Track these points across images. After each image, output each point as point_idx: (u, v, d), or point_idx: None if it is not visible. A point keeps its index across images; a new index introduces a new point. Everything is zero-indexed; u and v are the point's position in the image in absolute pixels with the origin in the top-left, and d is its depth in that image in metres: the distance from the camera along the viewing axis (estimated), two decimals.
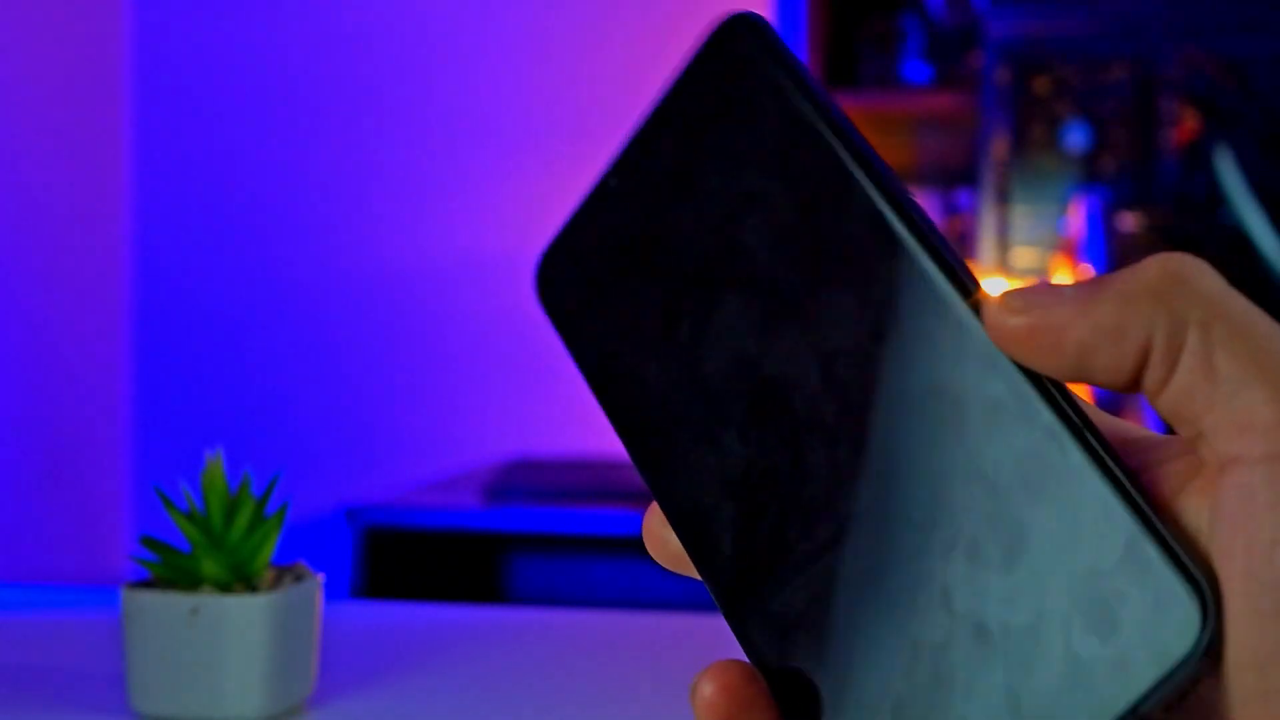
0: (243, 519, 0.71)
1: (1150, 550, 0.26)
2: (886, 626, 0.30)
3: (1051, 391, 0.29)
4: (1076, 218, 2.31)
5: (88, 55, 2.44)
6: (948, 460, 0.30)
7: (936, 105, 2.68)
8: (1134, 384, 0.27)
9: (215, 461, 0.72)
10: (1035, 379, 0.29)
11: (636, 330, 0.36)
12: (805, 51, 2.49)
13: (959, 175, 2.63)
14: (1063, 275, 2.34)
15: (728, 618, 0.33)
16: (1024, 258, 2.47)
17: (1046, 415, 0.28)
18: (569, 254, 0.37)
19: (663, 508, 0.34)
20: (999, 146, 2.45)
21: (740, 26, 0.37)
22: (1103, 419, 0.30)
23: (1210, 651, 0.25)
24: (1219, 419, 0.26)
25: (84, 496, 2.41)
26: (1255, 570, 0.25)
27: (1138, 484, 0.27)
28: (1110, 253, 2.24)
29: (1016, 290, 0.29)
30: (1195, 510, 0.27)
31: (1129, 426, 0.30)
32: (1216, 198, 2.38)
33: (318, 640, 0.73)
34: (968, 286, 0.30)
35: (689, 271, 0.35)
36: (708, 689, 0.30)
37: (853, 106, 2.70)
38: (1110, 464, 0.27)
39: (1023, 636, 0.28)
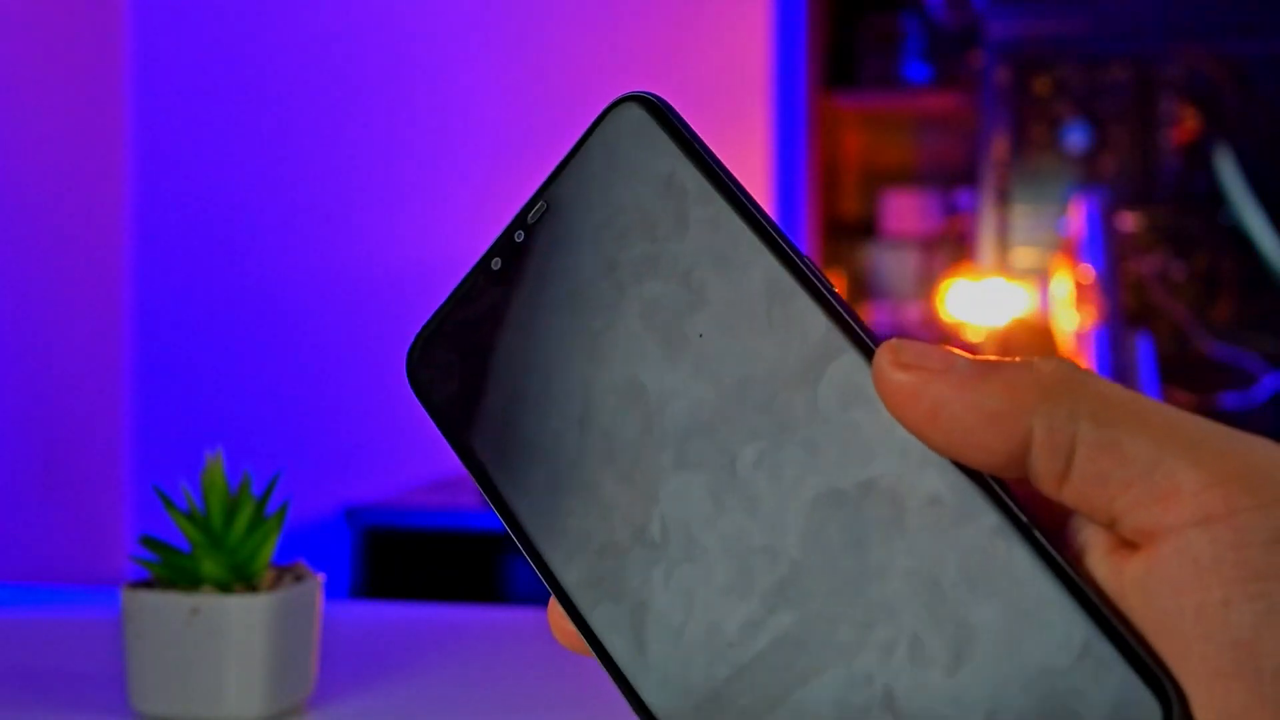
0: (243, 519, 0.71)
1: (1107, 648, 0.26)
2: None
3: (991, 484, 0.28)
4: (1076, 218, 2.31)
5: (88, 55, 2.44)
6: (885, 555, 0.29)
7: (936, 105, 2.68)
8: (1007, 469, 0.27)
9: (215, 461, 0.72)
10: (973, 473, 0.28)
11: (520, 416, 0.34)
12: (804, 51, 2.49)
13: (959, 175, 2.63)
14: (1062, 277, 2.34)
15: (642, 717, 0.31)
16: (1024, 258, 2.47)
17: (990, 513, 0.28)
18: (443, 339, 0.36)
19: (561, 603, 0.33)
20: (999, 146, 2.45)
21: (632, 108, 0.36)
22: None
23: None
24: (1137, 496, 0.26)
25: (84, 496, 2.41)
26: (1212, 633, 0.25)
27: (1085, 577, 0.27)
28: (1110, 253, 2.24)
29: (908, 344, 0.29)
30: (1121, 592, 0.27)
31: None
32: (1216, 198, 2.38)
33: (318, 640, 0.73)
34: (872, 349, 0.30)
35: (582, 349, 0.33)
36: None
37: (853, 106, 2.70)
38: (1056, 557, 0.27)
39: None
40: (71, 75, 2.38)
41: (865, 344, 0.30)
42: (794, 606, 0.29)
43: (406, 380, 0.36)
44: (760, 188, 2.42)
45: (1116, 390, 0.27)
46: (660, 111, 0.35)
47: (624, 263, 0.34)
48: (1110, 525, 0.27)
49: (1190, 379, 2.37)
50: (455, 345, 0.35)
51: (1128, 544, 0.27)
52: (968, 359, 0.28)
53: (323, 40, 2.52)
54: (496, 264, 0.35)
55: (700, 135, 0.35)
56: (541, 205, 0.35)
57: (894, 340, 0.29)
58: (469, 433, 0.35)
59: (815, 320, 0.31)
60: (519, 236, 0.35)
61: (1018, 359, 0.28)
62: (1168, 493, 0.26)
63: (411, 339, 0.37)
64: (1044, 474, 0.27)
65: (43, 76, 2.29)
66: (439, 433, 0.35)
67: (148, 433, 2.54)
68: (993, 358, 0.28)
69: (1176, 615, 0.25)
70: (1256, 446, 0.26)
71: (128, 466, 2.52)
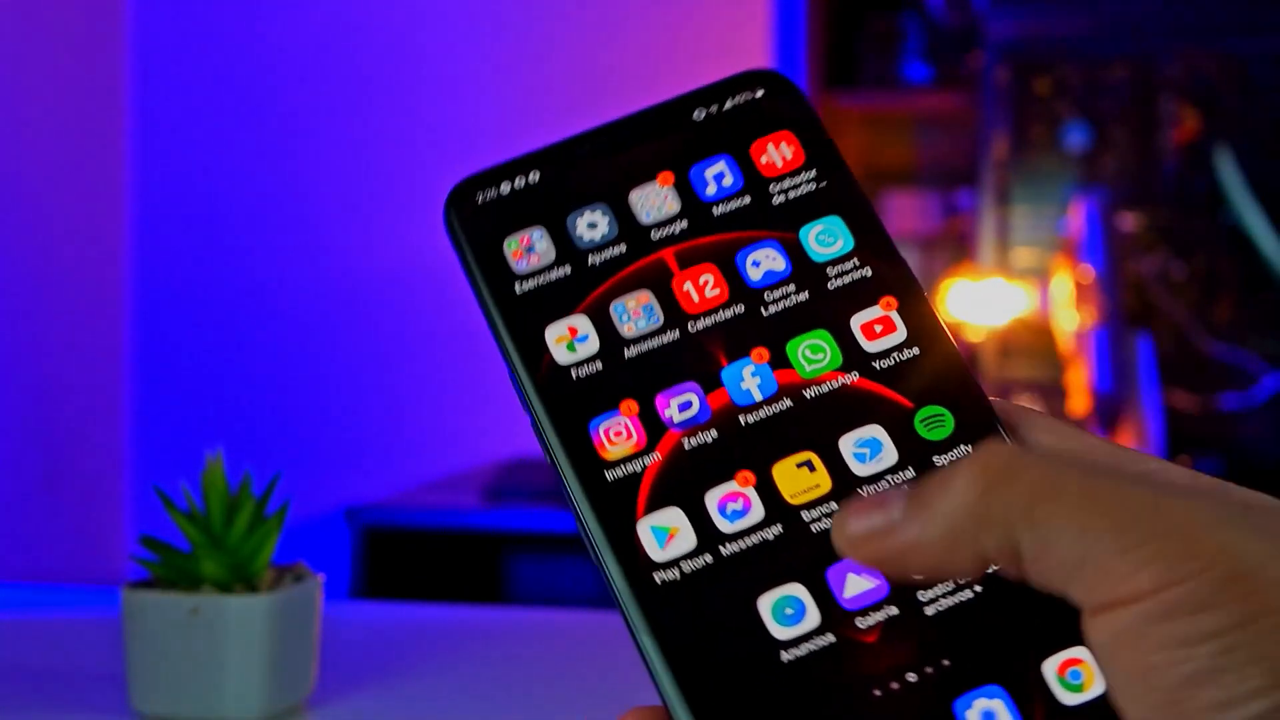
0: (243, 519, 0.71)
1: None
2: None
3: None
4: (1076, 218, 2.31)
5: (88, 56, 2.44)
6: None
7: (936, 105, 2.67)
8: (985, 572, 0.30)
9: (215, 461, 0.72)
10: None
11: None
12: (804, 51, 2.49)
13: (959, 175, 2.63)
14: (1062, 277, 2.34)
15: None
16: (1024, 258, 2.47)
17: None
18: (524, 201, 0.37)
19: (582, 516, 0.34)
20: (999, 146, 2.45)
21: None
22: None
23: None
24: (1080, 585, 0.28)
25: (84, 496, 2.41)
26: (1142, 696, 0.28)
27: None
28: (1110, 253, 2.23)
29: (852, 511, 0.31)
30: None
31: None
32: (1216, 198, 2.38)
33: (318, 640, 0.73)
34: None
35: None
36: None
37: (853, 106, 2.70)
38: None
39: None
40: (71, 75, 2.38)
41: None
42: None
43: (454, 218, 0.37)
44: None
45: (1044, 476, 0.29)
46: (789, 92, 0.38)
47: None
48: (1075, 604, 0.29)
49: (1190, 379, 2.37)
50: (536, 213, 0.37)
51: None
52: (903, 501, 0.30)
53: (323, 40, 2.52)
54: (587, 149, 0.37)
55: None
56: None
57: (838, 513, 0.31)
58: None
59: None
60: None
61: (944, 474, 0.30)
62: (1099, 580, 0.28)
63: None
64: (1013, 575, 0.30)
65: (43, 76, 2.29)
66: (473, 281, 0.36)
67: (148, 433, 2.54)
68: (927, 485, 0.30)
69: (1112, 677, 0.28)
70: (1180, 514, 0.28)
71: (128, 466, 2.52)
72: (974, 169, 2.50)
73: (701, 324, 0.35)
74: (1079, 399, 2.28)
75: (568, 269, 0.36)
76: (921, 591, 0.32)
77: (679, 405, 0.34)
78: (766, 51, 2.45)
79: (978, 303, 2.45)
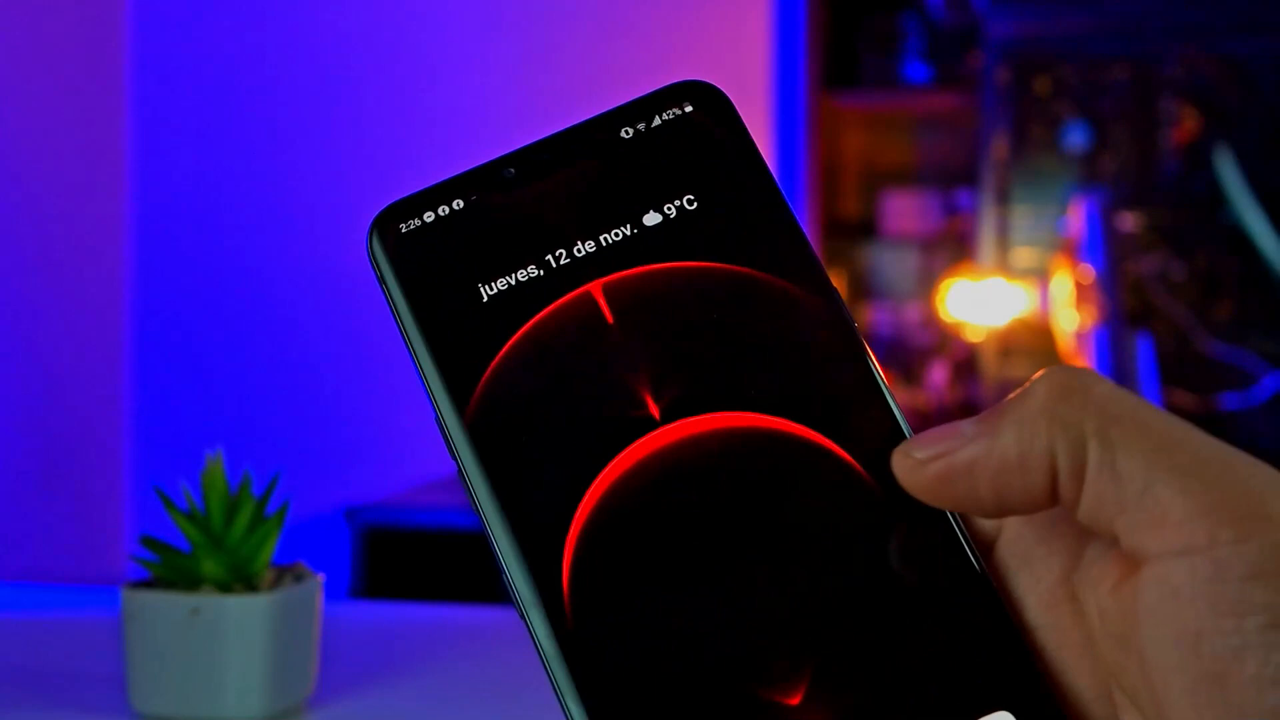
0: (243, 519, 0.71)
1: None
2: None
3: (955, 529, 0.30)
4: (1076, 218, 2.31)
5: (88, 55, 2.44)
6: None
7: (936, 105, 2.68)
8: (1051, 502, 0.28)
9: (215, 461, 0.72)
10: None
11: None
12: (804, 51, 2.49)
13: (959, 175, 2.63)
14: (1062, 277, 2.34)
15: None
16: (1024, 258, 2.47)
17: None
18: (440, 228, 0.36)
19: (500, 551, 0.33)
20: (999, 146, 2.45)
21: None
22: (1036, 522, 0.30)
23: None
24: (1131, 520, 0.27)
25: (84, 496, 2.42)
26: (1187, 664, 0.26)
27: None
28: (1110, 253, 2.23)
29: (916, 440, 0.29)
30: (1124, 610, 0.27)
31: (1065, 527, 0.30)
32: (1216, 198, 2.38)
33: (318, 640, 0.73)
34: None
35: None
36: None
37: (853, 106, 2.70)
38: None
39: None
40: (71, 75, 2.38)
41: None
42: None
43: (376, 247, 0.35)
44: None
45: (1119, 400, 0.27)
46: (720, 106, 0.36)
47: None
48: (1114, 544, 0.28)
49: (1190, 379, 2.37)
50: (450, 241, 0.35)
51: (1130, 567, 0.28)
52: (973, 422, 0.29)
53: (323, 40, 2.52)
54: (510, 173, 0.36)
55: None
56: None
57: (903, 444, 0.30)
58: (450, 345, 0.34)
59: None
60: (541, 161, 0.36)
61: (1017, 391, 0.28)
62: (1155, 520, 0.26)
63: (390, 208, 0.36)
64: (1067, 499, 0.28)
65: (43, 76, 2.29)
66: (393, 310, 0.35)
67: (148, 433, 2.54)
68: (997, 405, 0.29)
69: (1157, 644, 0.26)
70: (1245, 474, 0.26)
71: (128, 466, 2.53)
72: (974, 169, 2.50)
73: (630, 362, 0.33)
74: None
75: (492, 303, 0.34)
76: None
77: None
78: (766, 51, 2.45)
79: (978, 303, 2.45)
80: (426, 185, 0.35)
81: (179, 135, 2.54)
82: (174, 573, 0.71)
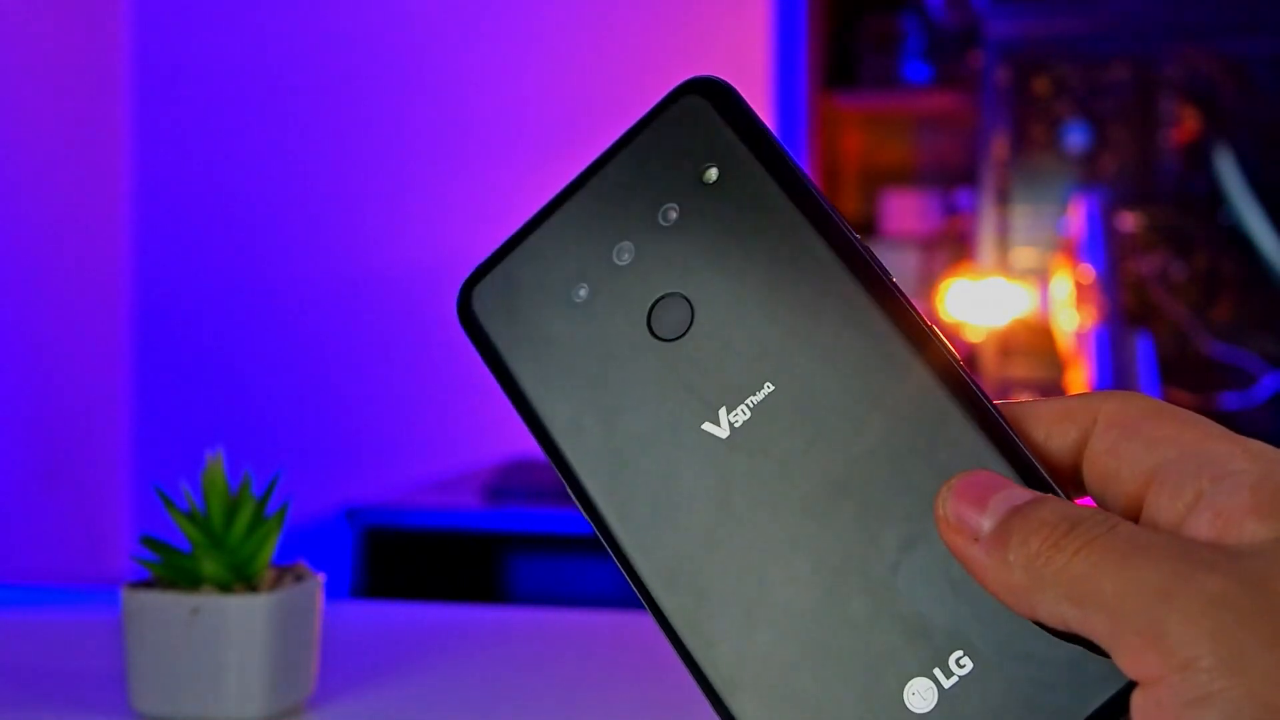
0: (243, 519, 0.71)
1: None
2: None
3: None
4: (1076, 218, 2.31)
5: (88, 55, 2.44)
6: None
7: (936, 105, 2.67)
8: None
9: (215, 461, 0.72)
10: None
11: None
12: (804, 51, 2.49)
13: (959, 175, 2.63)
14: (1062, 277, 2.34)
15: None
16: (1024, 258, 2.47)
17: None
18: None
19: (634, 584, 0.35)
20: (999, 146, 2.45)
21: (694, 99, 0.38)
22: None
23: None
24: (1121, 657, 0.30)
25: (84, 496, 2.41)
26: None
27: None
28: (1110, 253, 2.23)
29: (952, 498, 0.33)
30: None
31: None
32: (1216, 198, 2.38)
33: (318, 640, 0.73)
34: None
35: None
36: None
37: (853, 106, 2.70)
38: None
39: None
40: (71, 75, 2.38)
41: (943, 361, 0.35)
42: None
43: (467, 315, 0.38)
44: None
45: (1079, 563, 0.30)
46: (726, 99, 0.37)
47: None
48: None
49: (1190, 379, 2.37)
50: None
51: None
52: (995, 516, 0.32)
53: (323, 36, 2.52)
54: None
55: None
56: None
57: (944, 488, 0.33)
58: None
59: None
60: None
61: (1012, 538, 0.31)
62: (1125, 658, 0.30)
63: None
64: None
65: (43, 76, 2.29)
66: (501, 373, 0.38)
67: (148, 433, 2.54)
68: (1008, 519, 0.32)
69: None
70: (1180, 601, 0.29)
71: (128, 466, 2.52)
72: (974, 169, 2.50)
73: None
74: None
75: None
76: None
77: None
78: (766, 51, 2.45)
79: (978, 303, 2.45)
80: (496, 248, 0.38)
81: (179, 135, 2.54)
82: (174, 573, 0.71)
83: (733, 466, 0.34)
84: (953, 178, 2.66)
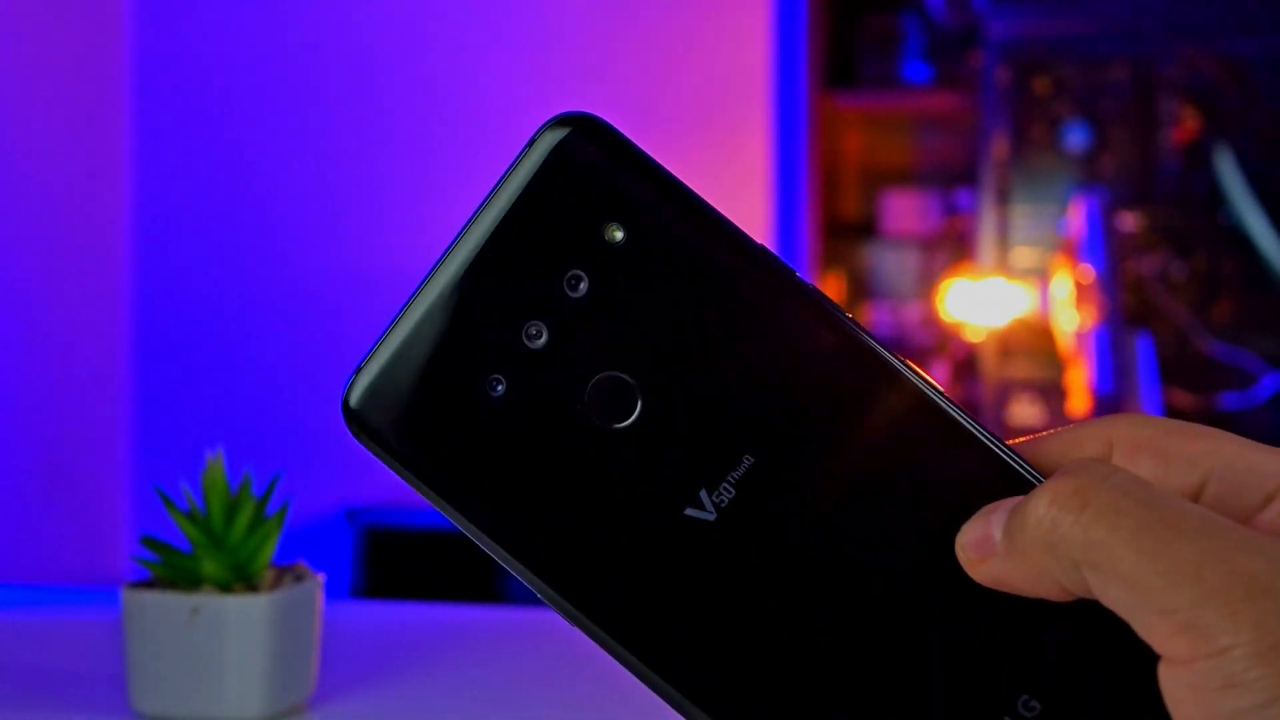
0: (243, 519, 0.71)
1: None
2: None
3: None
4: (1076, 218, 2.31)
5: (88, 55, 2.44)
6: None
7: (936, 105, 2.68)
8: (1076, 597, 0.31)
9: (215, 461, 0.72)
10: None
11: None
12: (804, 52, 2.49)
13: (959, 175, 2.63)
14: (1062, 277, 2.34)
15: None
16: (1024, 258, 2.47)
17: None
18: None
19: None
20: (999, 146, 2.45)
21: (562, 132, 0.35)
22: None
23: None
24: (1142, 630, 0.29)
25: (84, 496, 2.41)
26: None
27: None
28: (1110, 253, 2.23)
29: (965, 532, 0.32)
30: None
31: None
32: (1216, 198, 2.38)
33: (318, 640, 0.73)
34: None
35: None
36: None
37: (853, 106, 2.70)
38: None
39: None
40: (71, 75, 2.38)
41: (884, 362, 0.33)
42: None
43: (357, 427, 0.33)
44: (760, 188, 2.42)
45: (1111, 514, 0.29)
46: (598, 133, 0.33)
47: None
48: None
49: (1190, 379, 2.37)
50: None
51: None
52: (1001, 522, 0.31)
53: (323, 37, 2.52)
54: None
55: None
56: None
57: (960, 534, 0.32)
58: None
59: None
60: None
61: (1023, 504, 0.31)
62: (1147, 633, 0.29)
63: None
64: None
65: (43, 76, 2.29)
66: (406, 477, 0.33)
67: (148, 433, 2.54)
68: (1014, 514, 0.31)
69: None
70: (1223, 574, 0.28)
71: (128, 466, 2.52)
72: (974, 169, 2.50)
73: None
74: (1079, 399, 2.28)
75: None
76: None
77: None
78: (766, 51, 2.45)
79: (978, 303, 2.45)
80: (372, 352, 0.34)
81: (179, 135, 2.54)
82: (174, 573, 0.71)
83: (732, 547, 0.31)
84: (953, 178, 2.66)
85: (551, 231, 0.32)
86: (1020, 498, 0.31)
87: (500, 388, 0.32)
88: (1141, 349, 2.26)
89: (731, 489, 0.32)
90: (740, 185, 2.42)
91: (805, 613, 0.31)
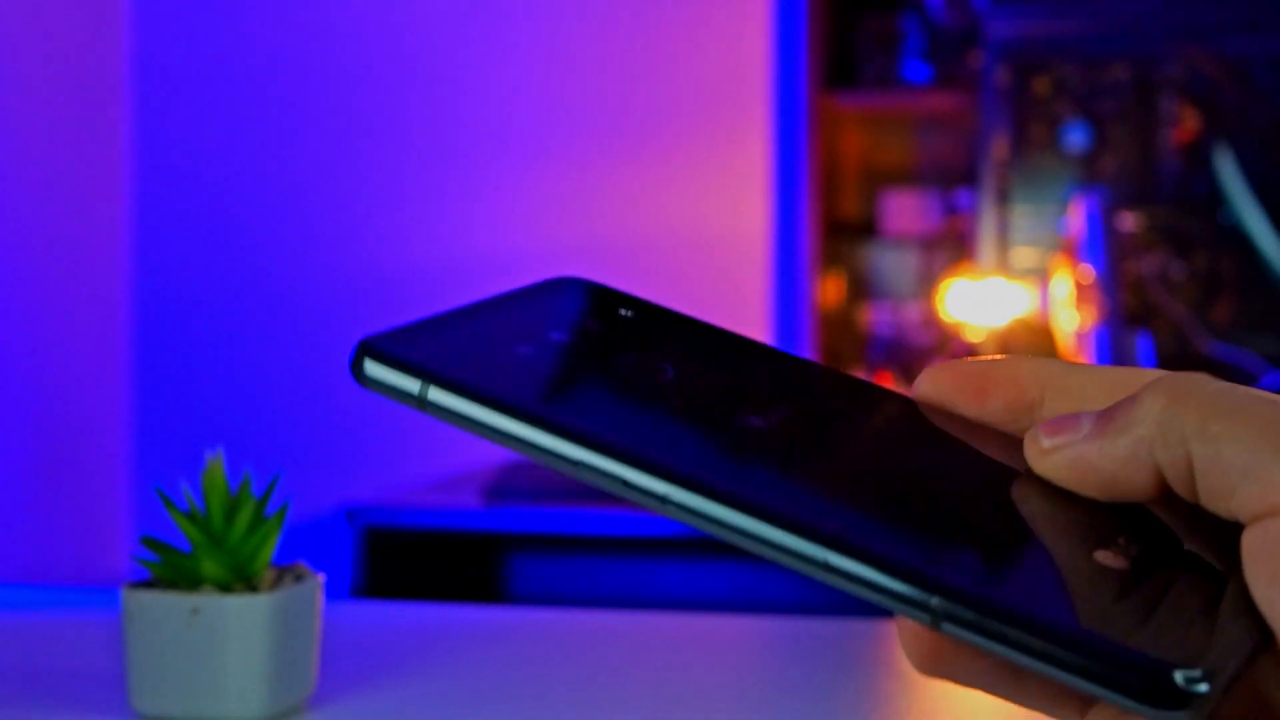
0: (243, 519, 0.71)
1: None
2: None
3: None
4: (1076, 218, 2.31)
5: (88, 56, 2.44)
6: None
7: (936, 105, 2.67)
8: (1158, 496, 0.33)
9: (215, 461, 0.72)
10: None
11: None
12: (804, 52, 2.49)
13: (959, 175, 2.63)
14: (1062, 277, 2.34)
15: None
16: (1024, 258, 2.47)
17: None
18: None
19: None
20: (999, 146, 2.45)
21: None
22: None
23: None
24: (1241, 498, 0.31)
25: (84, 496, 2.41)
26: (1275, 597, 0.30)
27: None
28: (1110, 253, 2.23)
29: (1045, 425, 0.34)
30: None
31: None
32: (1216, 198, 2.38)
33: (318, 640, 0.73)
34: None
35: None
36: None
37: (853, 106, 2.70)
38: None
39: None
40: (71, 75, 2.38)
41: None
42: None
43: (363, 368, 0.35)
44: (760, 188, 2.42)
45: (1224, 396, 0.32)
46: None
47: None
48: (1236, 522, 0.31)
49: None
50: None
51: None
52: (1092, 417, 0.33)
53: (324, 38, 2.52)
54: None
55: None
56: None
57: (1034, 428, 0.34)
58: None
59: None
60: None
61: (1131, 397, 0.32)
62: (1261, 489, 0.30)
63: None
64: (1185, 494, 0.32)
65: (43, 76, 2.29)
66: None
67: (148, 433, 2.54)
68: (1116, 405, 0.33)
69: (1269, 579, 0.30)
70: None
71: (128, 466, 2.52)
72: (974, 169, 2.50)
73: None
74: None
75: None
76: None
77: None
78: (766, 51, 2.45)
79: (978, 303, 2.45)
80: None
81: (179, 135, 2.54)
82: (174, 573, 0.71)
83: (796, 439, 0.34)
84: (953, 178, 2.66)
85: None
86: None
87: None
88: (1141, 349, 2.26)
89: (782, 414, 0.35)
90: (740, 185, 2.42)
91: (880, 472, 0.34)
